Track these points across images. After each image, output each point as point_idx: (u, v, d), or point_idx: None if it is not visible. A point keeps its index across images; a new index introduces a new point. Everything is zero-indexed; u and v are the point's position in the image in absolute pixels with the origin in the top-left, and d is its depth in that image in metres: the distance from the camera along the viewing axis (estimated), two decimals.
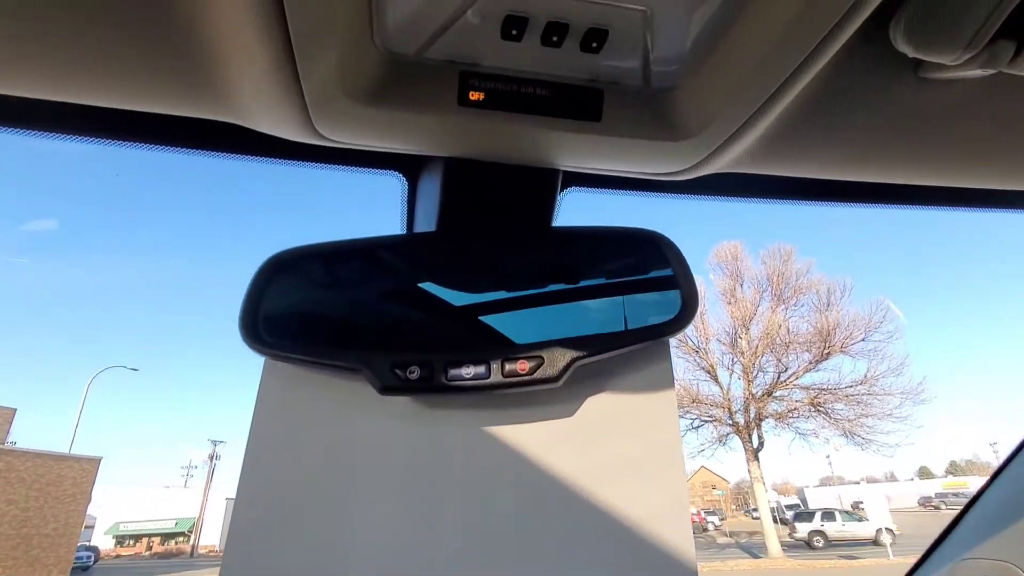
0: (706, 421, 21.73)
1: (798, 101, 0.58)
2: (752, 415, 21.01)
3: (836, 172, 0.72)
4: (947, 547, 1.09)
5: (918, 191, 0.85)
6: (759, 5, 0.46)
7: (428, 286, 0.66)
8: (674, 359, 0.67)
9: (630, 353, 0.62)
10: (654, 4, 0.46)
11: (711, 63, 0.53)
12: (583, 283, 0.66)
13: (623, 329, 0.61)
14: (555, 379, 0.58)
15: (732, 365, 21.53)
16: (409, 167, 0.74)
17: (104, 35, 0.49)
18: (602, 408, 0.63)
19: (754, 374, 21.07)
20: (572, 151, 0.62)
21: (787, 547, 21.30)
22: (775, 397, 20.83)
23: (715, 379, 21.62)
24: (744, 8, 0.47)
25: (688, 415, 21.39)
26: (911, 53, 0.54)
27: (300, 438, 0.62)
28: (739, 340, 21.31)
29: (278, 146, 0.67)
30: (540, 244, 0.68)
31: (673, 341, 0.67)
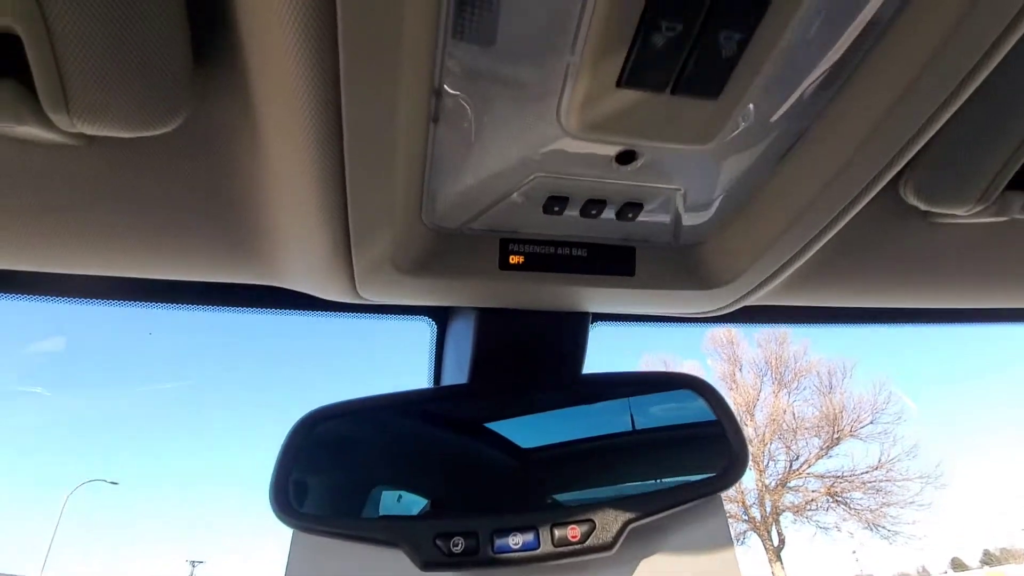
0: None
1: (823, 248, 0.60)
2: (768, 509, 19.85)
3: (863, 301, 0.74)
4: None
5: (942, 312, 0.87)
6: (791, 172, 0.49)
7: (465, 442, 0.64)
8: None
9: (682, 510, 0.59)
10: (688, 184, 0.49)
11: (740, 221, 0.55)
12: (621, 433, 0.64)
13: (672, 484, 0.59)
14: (609, 546, 0.54)
15: None
16: (439, 315, 0.75)
17: (170, 222, 0.51)
18: (658, 573, 0.59)
19: (765, 463, 20.20)
20: (605, 300, 0.63)
21: None
22: (790, 488, 19.82)
23: None
24: (774, 178, 0.50)
25: None
26: (922, 207, 0.58)
27: None
28: (745, 427, 20.70)
29: (312, 303, 0.67)
30: (573, 392, 0.67)
31: None
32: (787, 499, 19.73)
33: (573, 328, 0.68)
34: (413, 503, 0.60)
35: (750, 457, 0.60)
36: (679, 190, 0.50)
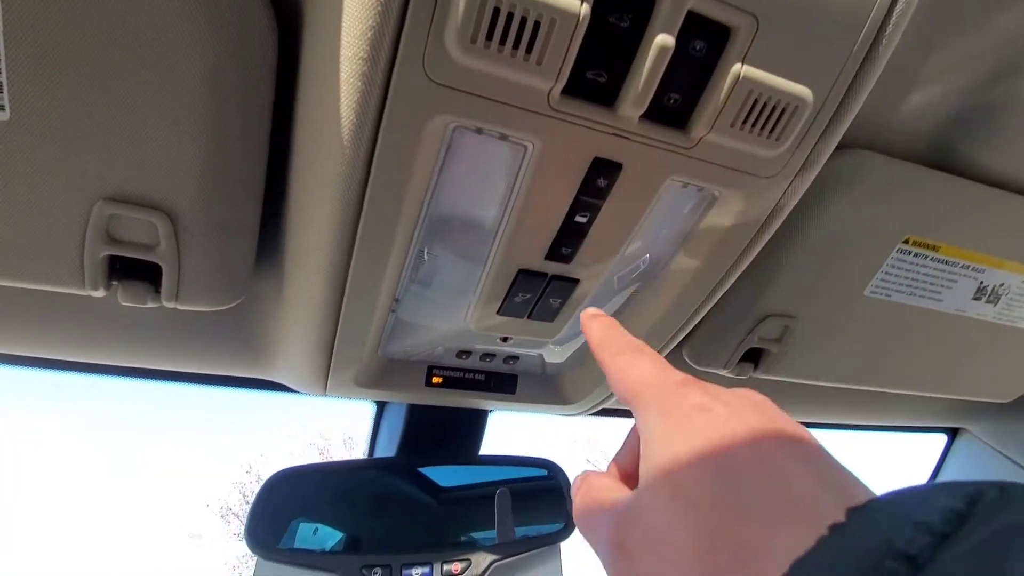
0: None
1: None
2: None
3: None
4: None
5: None
6: None
7: (388, 499, 0.90)
8: None
9: (533, 554, 0.87)
10: (546, 349, 0.80)
11: (582, 364, 0.87)
12: (501, 497, 0.93)
13: (529, 536, 0.88)
14: None
15: None
16: (380, 402, 1.01)
17: (200, 340, 0.75)
18: None
19: None
20: (497, 406, 0.92)
21: None
22: None
23: None
24: None
25: None
26: (695, 367, 0.92)
27: None
28: None
29: (284, 388, 0.92)
30: (470, 467, 0.96)
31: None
32: None
33: (476, 420, 0.97)
34: (346, 541, 0.85)
35: None
36: (541, 352, 0.81)
